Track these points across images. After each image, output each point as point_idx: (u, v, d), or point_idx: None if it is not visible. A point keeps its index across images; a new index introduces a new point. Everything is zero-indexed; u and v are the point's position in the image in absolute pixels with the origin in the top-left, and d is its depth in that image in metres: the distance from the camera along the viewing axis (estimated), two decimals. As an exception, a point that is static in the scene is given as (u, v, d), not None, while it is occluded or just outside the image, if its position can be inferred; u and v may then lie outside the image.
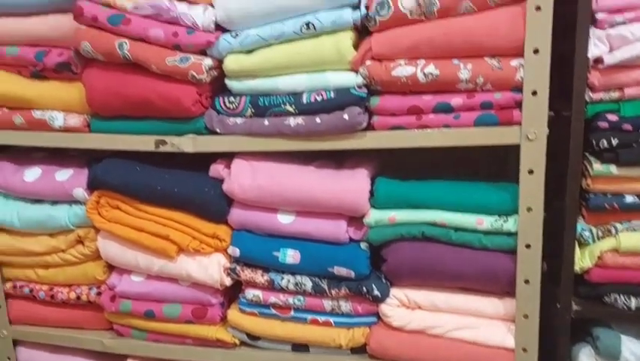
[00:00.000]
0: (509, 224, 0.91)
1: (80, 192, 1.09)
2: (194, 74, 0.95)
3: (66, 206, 1.12)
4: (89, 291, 1.16)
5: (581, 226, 0.94)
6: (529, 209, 0.89)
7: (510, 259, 0.92)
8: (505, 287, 0.94)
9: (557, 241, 0.93)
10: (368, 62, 0.91)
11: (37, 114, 1.09)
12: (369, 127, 0.94)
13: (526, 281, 0.92)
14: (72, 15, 0.98)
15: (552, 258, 0.94)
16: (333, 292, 1.00)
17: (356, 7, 0.91)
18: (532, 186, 0.88)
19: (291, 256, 1.00)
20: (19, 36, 1.06)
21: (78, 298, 1.16)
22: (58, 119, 1.08)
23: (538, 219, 0.89)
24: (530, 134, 0.86)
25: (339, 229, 0.98)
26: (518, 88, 0.86)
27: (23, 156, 1.18)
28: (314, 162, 1.03)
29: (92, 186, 1.08)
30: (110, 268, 1.15)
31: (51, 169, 1.13)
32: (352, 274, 0.98)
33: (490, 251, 0.92)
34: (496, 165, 1.06)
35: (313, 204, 0.98)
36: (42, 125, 1.09)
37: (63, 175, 1.11)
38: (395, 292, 0.99)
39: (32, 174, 1.13)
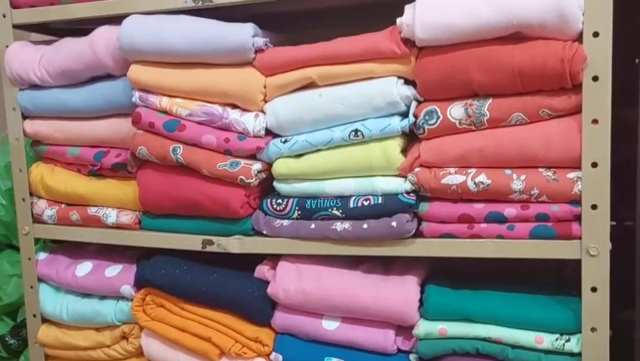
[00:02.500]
0: (572, 344, 0.84)
1: (128, 289, 1.10)
2: (244, 178, 0.96)
3: (113, 302, 1.13)
4: (131, 389, 1.14)
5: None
6: (593, 329, 0.83)
7: (574, 383, 0.84)
8: (569, 413, 0.86)
9: (627, 362, 0.86)
10: (417, 169, 0.90)
11: (92, 211, 1.13)
12: (419, 233, 0.92)
13: (594, 409, 0.83)
14: (130, 120, 1.03)
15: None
16: (380, 407, 0.94)
17: (404, 115, 0.91)
18: (596, 305, 0.82)
19: (335, 366, 0.96)
20: (81, 138, 1.12)
21: (120, 396, 1.14)
22: (111, 216, 1.11)
23: (604, 341, 0.82)
24: (592, 250, 0.81)
25: (386, 339, 0.94)
26: (576, 201, 0.82)
27: (77, 249, 1.21)
28: (361, 266, 1.00)
29: (138, 284, 1.09)
30: (153, 366, 1.13)
31: (101, 264, 1.15)
32: (401, 389, 0.92)
33: (552, 373, 0.85)
34: (554, 267, 1.00)
35: (359, 311, 0.95)
36: (96, 222, 1.12)
37: (112, 271, 1.12)
38: (448, 411, 0.92)
39: (83, 268, 1.15)
